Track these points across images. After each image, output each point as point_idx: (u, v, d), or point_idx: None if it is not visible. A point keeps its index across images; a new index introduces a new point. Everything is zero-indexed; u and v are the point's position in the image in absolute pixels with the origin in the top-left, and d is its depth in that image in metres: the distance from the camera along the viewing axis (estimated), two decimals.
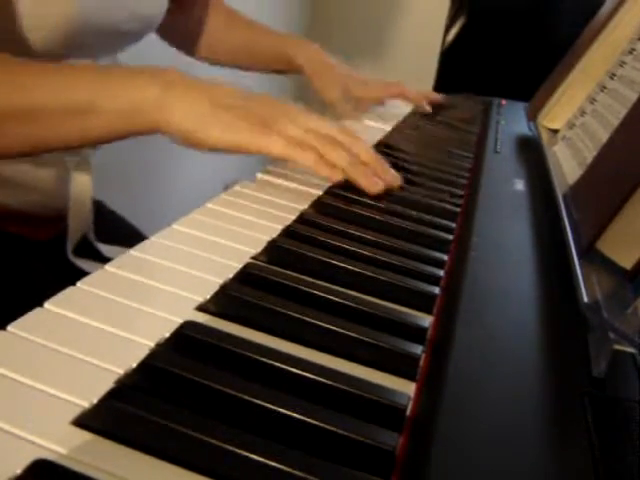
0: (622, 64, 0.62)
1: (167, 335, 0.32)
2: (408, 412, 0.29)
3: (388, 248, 0.45)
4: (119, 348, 0.30)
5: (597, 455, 0.27)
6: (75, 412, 0.26)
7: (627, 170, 0.42)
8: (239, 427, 0.26)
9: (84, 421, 0.26)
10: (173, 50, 0.96)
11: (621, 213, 0.39)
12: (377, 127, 0.85)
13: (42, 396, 0.27)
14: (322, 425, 0.27)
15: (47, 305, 0.32)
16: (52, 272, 0.68)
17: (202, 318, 0.34)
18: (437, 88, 1.59)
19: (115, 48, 0.72)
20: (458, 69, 1.69)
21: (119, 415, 0.26)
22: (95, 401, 0.26)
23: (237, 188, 0.54)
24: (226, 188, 0.53)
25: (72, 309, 0.32)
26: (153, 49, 0.88)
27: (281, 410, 0.27)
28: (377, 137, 0.77)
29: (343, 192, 0.55)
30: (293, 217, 0.49)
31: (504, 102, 1.10)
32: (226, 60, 0.97)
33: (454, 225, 0.52)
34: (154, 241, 0.42)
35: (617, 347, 0.31)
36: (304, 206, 0.51)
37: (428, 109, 0.97)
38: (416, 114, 0.96)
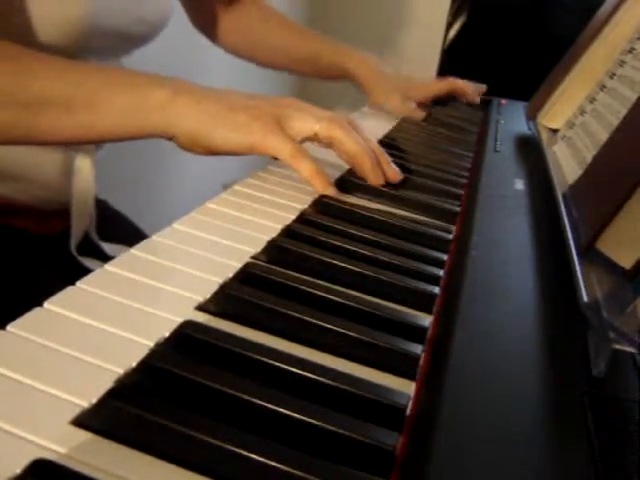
0: (622, 63, 0.62)
1: (167, 335, 0.32)
2: (408, 412, 0.29)
3: (388, 248, 0.45)
4: (119, 348, 0.30)
5: (597, 455, 0.27)
6: (75, 412, 0.26)
7: (627, 169, 0.42)
8: (239, 427, 0.26)
9: (84, 421, 0.26)
10: (173, 51, 0.96)
11: (621, 212, 0.39)
12: (377, 127, 0.84)
13: (42, 396, 0.27)
14: (322, 425, 0.27)
15: (47, 305, 0.32)
16: (55, 268, 0.68)
17: (202, 318, 0.34)
18: None
19: (121, 51, 0.72)
20: (458, 68, 1.69)
21: (119, 415, 0.26)
22: (95, 401, 0.26)
23: (237, 188, 0.53)
24: (226, 188, 0.53)
25: (72, 309, 0.32)
26: (155, 51, 0.89)
27: (281, 410, 0.27)
28: (377, 137, 0.77)
29: (343, 192, 0.55)
30: (293, 217, 0.49)
31: (504, 101, 1.10)
32: (264, 60, 1.01)
33: (454, 225, 0.52)
34: (154, 240, 0.42)
35: (617, 347, 0.31)
36: (304, 206, 0.51)
37: (477, 101, 1.05)
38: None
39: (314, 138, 0.54)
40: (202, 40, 1.03)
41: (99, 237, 0.74)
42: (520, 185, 0.64)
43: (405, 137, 0.80)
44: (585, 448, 0.27)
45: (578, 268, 0.39)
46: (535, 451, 0.27)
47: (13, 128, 0.50)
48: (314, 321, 0.34)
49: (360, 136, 0.56)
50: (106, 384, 0.27)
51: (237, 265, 0.40)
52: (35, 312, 0.32)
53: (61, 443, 0.24)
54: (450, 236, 0.50)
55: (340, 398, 0.29)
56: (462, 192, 0.61)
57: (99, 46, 0.65)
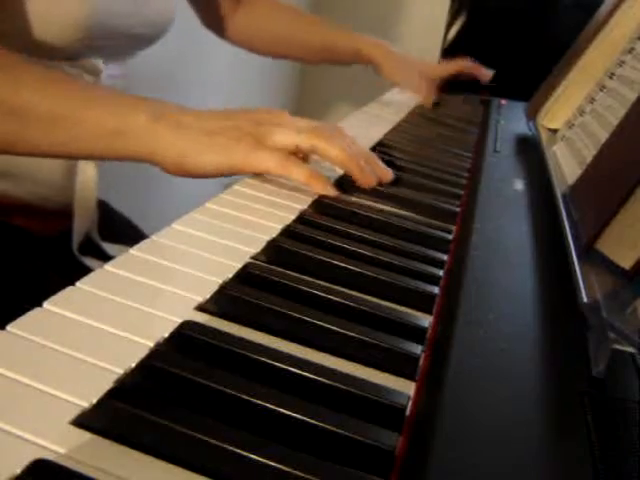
0: (621, 63, 0.62)
1: (166, 335, 0.32)
2: (408, 412, 0.29)
3: (388, 248, 0.45)
4: (119, 348, 0.30)
5: (597, 455, 0.27)
6: (75, 412, 0.26)
7: (627, 170, 0.42)
8: (239, 427, 0.26)
9: (84, 421, 0.26)
10: (173, 50, 0.96)
11: (621, 213, 0.39)
12: (376, 127, 0.84)
13: (42, 396, 0.27)
14: (322, 425, 0.27)
15: (46, 305, 0.32)
16: (55, 268, 0.68)
17: (201, 318, 0.34)
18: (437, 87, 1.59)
19: (126, 52, 0.72)
20: None
21: (119, 415, 0.26)
22: (95, 401, 0.26)
23: (237, 188, 0.53)
24: (226, 188, 0.53)
25: (71, 309, 0.32)
26: (154, 49, 0.88)
27: (281, 410, 0.27)
28: (377, 137, 0.77)
29: (343, 192, 0.55)
30: (293, 217, 0.49)
31: (504, 102, 1.10)
32: (280, 52, 1.05)
33: (454, 225, 0.52)
34: (154, 240, 0.42)
35: (617, 347, 0.31)
36: (304, 206, 0.51)
37: (487, 79, 1.09)
38: (416, 113, 0.96)
39: (297, 150, 0.53)
40: (202, 36, 1.03)
41: (100, 237, 0.74)
42: (520, 185, 0.64)
43: (405, 137, 0.80)
44: (585, 448, 0.27)
45: (578, 268, 0.39)
46: (535, 451, 0.27)
47: (2, 135, 0.50)
48: (314, 321, 0.34)
49: (344, 141, 0.55)
50: (106, 384, 0.27)
51: (237, 265, 0.40)
52: (35, 312, 0.32)
53: (61, 443, 0.24)
54: (450, 236, 0.50)
55: (340, 398, 0.29)
56: (462, 192, 0.61)
57: (104, 46, 0.65)
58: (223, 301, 0.36)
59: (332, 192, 0.54)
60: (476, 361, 0.33)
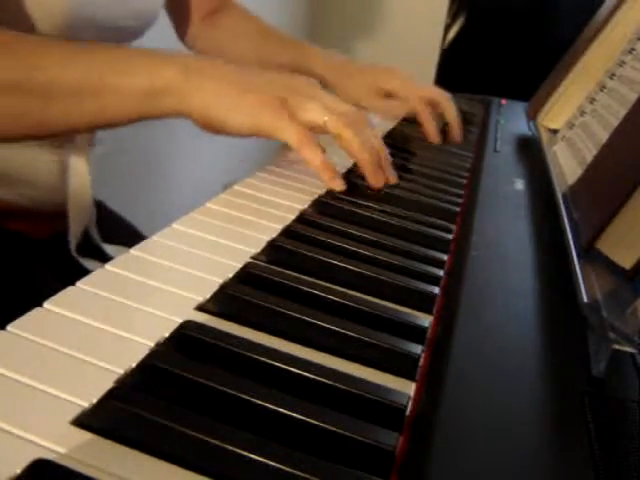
0: (622, 64, 0.62)
1: (167, 335, 0.32)
2: (408, 412, 0.29)
3: (388, 248, 0.45)
4: (119, 348, 0.30)
5: (597, 455, 0.27)
6: (75, 412, 0.26)
7: (627, 170, 0.42)
8: (239, 427, 0.26)
9: (84, 421, 0.26)
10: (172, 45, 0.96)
11: (621, 213, 0.39)
12: (376, 126, 0.84)
13: (42, 396, 0.27)
14: (322, 425, 0.27)
15: (47, 305, 0.32)
16: (53, 270, 0.68)
17: (202, 318, 0.34)
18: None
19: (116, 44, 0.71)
20: (458, 68, 1.69)
21: (119, 415, 0.26)
22: (95, 401, 0.26)
23: (237, 188, 0.53)
24: (226, 188, 0.53)
25: (72, 309, 0.32)
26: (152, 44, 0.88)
27: (281, 410, 0.27)
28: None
29: (343, 192, 0.55)
30: (293, 217, 0.49)
31: (504, 102, 1.10)
32: None
33: (454, 225, 0.52)
34: (154, 240, 0.42)
35: (617, 347, 0.31)
36: (304, 206, 0.51)
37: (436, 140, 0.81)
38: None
39: (321, 129, 0.53)
40: None
41: (102, 239, 0.73)
42: (520, 185, 0.64)
43: (405, 137, 0.80)
44: (585, 448, 0.27)
45: (578, 268, 0.39)
46: (535, 451, 0.27)
47: (23, 116, 0.49)
48: (314, 321, 0.34)
49: (368, 136, 0.55)
50: (106, 384, 0.27)
51: (237, 265, 0.40)
52: (35, 312, 0.32)
53: (61, 443, 0.24)
54: (450, 236, 0.50)
55: (340, 398, 0.29)
56: (462, 192, 0.61)
57: (92, 38, 0.63)
58: (223, 301, 0.36)
59: (339, 186, 0.53)
60: (476, 361, 0.33)
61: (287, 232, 0.46)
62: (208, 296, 0.36)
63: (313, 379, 0.30)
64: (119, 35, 0.69)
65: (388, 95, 0.85)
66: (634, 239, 0.38)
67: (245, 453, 0.24)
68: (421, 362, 0.33)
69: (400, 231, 0.49)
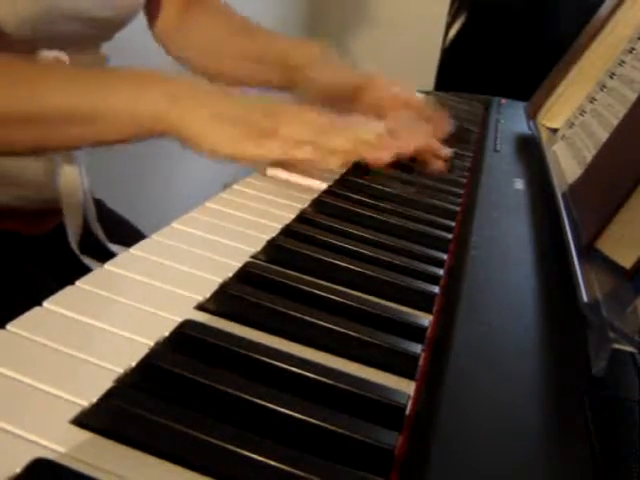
0: (622, 63, 0.62)
1: (166, 334, 0.32)
2: (408, 411, 0.29)
3: (388, 247, 0.45)
4: (118, 347, 0.30)
5: (597, 455, 0.27)
6: (75, 411, 0.26)
7: (627, 169, 0.42)
8: (239, 426, 0.26)
9: (84, 420, 0.26)
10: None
11: (621, 212, 0.39)
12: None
13: (42, 395, 0.27)
14: (322, 424, 0.27)
15: (46, 304, 0.32)
16: (53, 267, 0.68)
17: (201, 317, 0.34)
18: (437, 87, 1.59)
19: (91, 39, 0.69)
20: (458, 68, 1.69)
21: (119, 414, 0.26)
22: (95, 400, 0.26)
23: (237, 187, 0.53)
24: (226, 188, 0.53)
25: (71, 308, 0.32)
26: (146, 43, 0.88)
27: (281, 409, 0.27)
28: None
29: (343, 191, 0.55)
30: (293, 216, 0.49)
31: (504, 101, 1.10)
32: (228, 77, 0.90)
33: (454, 224, 0.52)
34: (154, 240, 0.42)
35: (617, 346, 0.31)
36: (304, 205, 0.51)
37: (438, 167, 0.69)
38: None
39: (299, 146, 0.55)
40: None
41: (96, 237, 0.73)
42: (520, 185, 0.64)
43: None
44: (585, 448, 0.27)
45: (578, 268, 0.39)
46: (535, 450, 0.27)
47: (21, 143, 0.52)
48: (314, 321, 0.34)
49: (348, 132, 0.56)
50: (106, 383, 0.27)
51: (237, 265, 0.40)
52: (35, 312, 0.32)
53: (61, 442, 0.24)
54: (450, 236, 0.50)
55: (340, 398, 0.29)
56: (462, 192, 0.61)
57: (65, 32, 0.62)
58: (223, 300, 0.36)
59: (338, 162, 0.55)
60: (476, 360, 0.33)
61: (287, 231, 0.46)
62: (208, 295, 0.36)
63: (313, 378, 0.30)
64: (96, 27, 0.66)
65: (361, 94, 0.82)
66: (634, 238, 0.38)
67: (245, 453, 0.24)
68: (421, 361, 0.33)
69: (400, 230, 0.49)
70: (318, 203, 0.52)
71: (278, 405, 0.27)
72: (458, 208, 0.56)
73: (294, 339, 0.33)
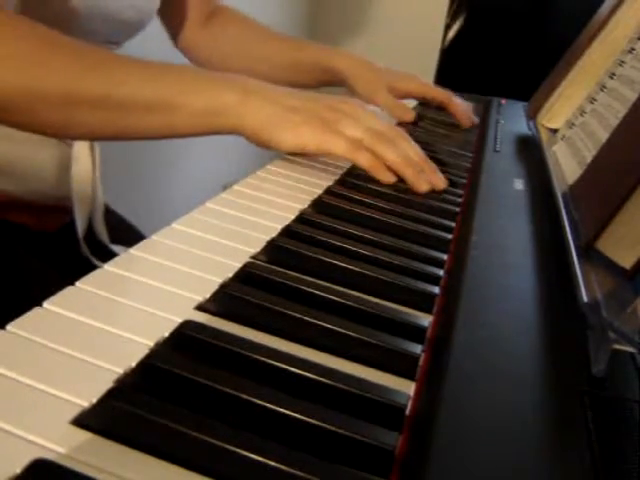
0: (622, 63, 0.62)
1: (166, 334, 0.32)
2: (408, 411, 0.29)
3: (388, 248, 0.45)
4: (118, 347, 0.30)
5: (597, 455, 0.27)
6: (75, 412, 0.26)
7: (627, 169, 0.42)
8: (239, 427, 0.26)
9: (84, 421, 0.26)
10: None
11: (621, 212, 0.39)
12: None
13: (41, 396, 0.27)
14: (322, 425, 0.27)
15: (46, 304, 0.32)
16: (59, 264, 0.68)
17: (201, 317, 0.34)
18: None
19: (114, 38, 0.72)
20: (458, 68, 1.69)
21: (119, 415, 0.26)
22: (95, 401, 0.26)
23: (237, 188, 0.53)
24: (226, 188, 0.53)
25: (71, 308, 0.32)
26: (153, 42, 0.89)
27: (281, 410, 0.27)
28: None
29: (343, 191, 0.55)
30: (293, 216, 0.49)
31: (504, 101, 1.10)
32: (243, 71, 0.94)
33: (454, 224, 0.52)
34: (154, 240, 0.42)
35: (617, 347, 0.31)
36: (304, 206, 0.51)
37: (466, 124, 0.91)
38: (416, 113, 0.96)
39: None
40: None
41: (97, 238, 0.73)
42: (520, 185, 0.64)
43: None
44: (585, 448, 0.27)
45: (578, 268, 0.39)
46: (535, 451, 0.27)
47: (102, 128, 0.54)
48: (314, 321, 0.34)
49: (402, 147, 0.59)
50: (106, 384, 0.27)
51: (237, 265, 0.40)
52: (35, 312, 0.32)
53: (61, 443, 0.24)
54: (450, 236, 0.50)
55: (340, 398, 0.29)
56: (462, 192, 0.61)
57: (90, 30, 0.64)
58: (223, 301, 0.36)
59: (390, 178, 0.58)
60: (476, 361, 0.33)
61: (287, 232, 0.46)
62: (208, 296, 0.36)
63: (313, 379, 0.30)
64: (120, 28, 0.70)
65: (402, 97, 0.91)
66: (634, 239, 0.38)
67: (245, 453, 0.24)
68: (421, 362, 0.33)
69: (400, 231, 0.49)
70: (318, 204, 0.52)
71: (278, 405, 0.27)
72: (458, 208, 0.56)
73: (294, 339, 0.33)
